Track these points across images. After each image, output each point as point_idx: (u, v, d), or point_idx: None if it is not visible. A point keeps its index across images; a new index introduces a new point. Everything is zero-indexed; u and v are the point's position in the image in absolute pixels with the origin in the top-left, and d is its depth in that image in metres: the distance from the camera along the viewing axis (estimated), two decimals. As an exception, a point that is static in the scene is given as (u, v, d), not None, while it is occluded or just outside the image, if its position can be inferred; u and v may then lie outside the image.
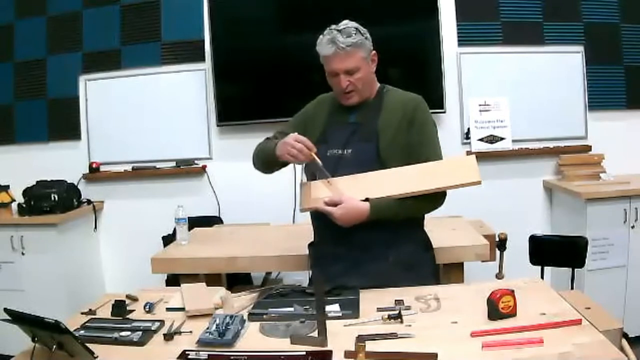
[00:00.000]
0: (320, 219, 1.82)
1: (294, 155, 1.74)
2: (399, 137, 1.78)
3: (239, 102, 3.47)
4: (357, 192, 1.72)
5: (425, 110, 1.85)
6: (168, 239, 3.16)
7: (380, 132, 1.79)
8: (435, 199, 1.76)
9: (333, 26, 1.79)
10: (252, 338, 1.43)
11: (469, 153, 3.34)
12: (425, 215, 1.90)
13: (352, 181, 1.75)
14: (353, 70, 1.77)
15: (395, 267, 1.78)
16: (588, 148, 3.42)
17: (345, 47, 1.74)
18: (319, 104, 1.97)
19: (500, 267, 2.47)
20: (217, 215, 3.53)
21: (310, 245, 2.01)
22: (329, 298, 1.56)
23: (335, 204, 1.69)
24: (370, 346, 1.26)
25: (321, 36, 1.80)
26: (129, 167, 3.60)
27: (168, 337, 1.43)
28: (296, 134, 1.78)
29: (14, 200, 3.36)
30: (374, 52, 1.84)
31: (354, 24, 1.80)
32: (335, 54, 1.75)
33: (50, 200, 3.25)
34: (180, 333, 1.46)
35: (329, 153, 1.82)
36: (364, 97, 1.84)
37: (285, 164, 1.90)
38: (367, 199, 1.71)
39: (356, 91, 1.81)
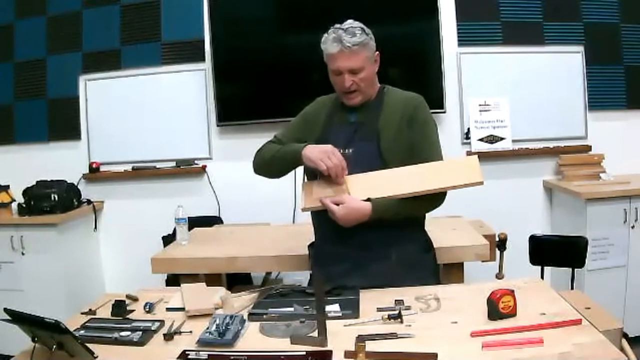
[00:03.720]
0: (320, 219, 1.82)
1: (328, 167, 1.70)
2: (400, 136, 1.79)
3: (239, 102, 3.47)
4: (360, 191, 1.71)
5: (426, 109, 1.85)
6: (168, 239, 3.16)
7: (381, 131, 1.79)
8: (435, 198, 1.76)
9: (337, 25, 1.79)
10: (252, 338, 1.43)
11: (469, 153, 3.34)
12: (426, 215, 1.90)
13: (354, 180, 1.74)
14: (358, 69, 1.77)
15: (397, 267, 1.78)
16: (588, 148, 3.42)
17: (352, 46, 1.73)
18: (318, 105, 1.97)
19: (500, 267, 2.47)
20: (217, 215, 3.52)
21: (311, 245, 2.01)
22: (329, 298, 1.56)
23: (337, 204, 1.69)
24: (370, 346, 1.26)
25: (326, 34, 1.80)
26: (129, 167, 3.59)
27: (168, 337, 1.43)
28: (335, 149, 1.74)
29: (14, 200, 3.37)
30: (377, 52, 1.84)
31: (358, 23, 1.80)
32: (340, 53, 1.75)
33: (50, 200, 3.24)
34: (180, 333, 1.46)
35: None
36: (366, 98, 1.84)
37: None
38: (368, 199, 1.70)
39: (359, 91, 1.81)
